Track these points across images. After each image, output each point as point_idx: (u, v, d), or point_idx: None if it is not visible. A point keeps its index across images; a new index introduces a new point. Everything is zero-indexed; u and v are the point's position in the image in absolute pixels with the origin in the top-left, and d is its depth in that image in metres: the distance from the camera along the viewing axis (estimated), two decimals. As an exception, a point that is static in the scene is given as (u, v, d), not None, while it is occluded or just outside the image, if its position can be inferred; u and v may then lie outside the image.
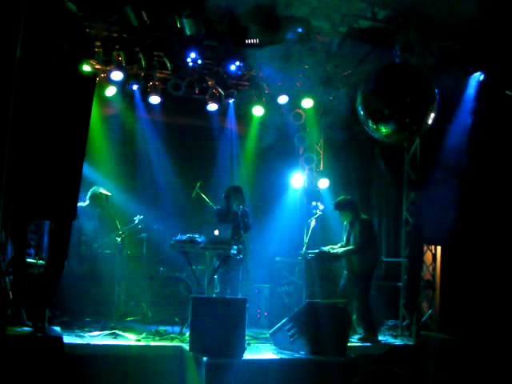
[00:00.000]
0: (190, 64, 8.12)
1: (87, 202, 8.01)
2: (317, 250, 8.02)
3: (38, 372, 4.61)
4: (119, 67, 8.08)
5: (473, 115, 7.73)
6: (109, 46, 7.68)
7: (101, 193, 7.94)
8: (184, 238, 7.31)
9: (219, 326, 5.97)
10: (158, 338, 6.83)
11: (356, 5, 6.83)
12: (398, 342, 7.89)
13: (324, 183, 9.80)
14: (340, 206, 7.94)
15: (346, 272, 7.81)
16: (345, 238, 7.90)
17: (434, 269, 8.46)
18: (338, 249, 7.92)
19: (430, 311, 8.30)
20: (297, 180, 10.07)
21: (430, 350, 7.46)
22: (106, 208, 8.07)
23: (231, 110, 9.51)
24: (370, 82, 6.89)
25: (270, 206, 9.83)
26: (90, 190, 8.00)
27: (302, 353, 6.38)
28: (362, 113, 6.96)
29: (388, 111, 6.63)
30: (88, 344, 6.27)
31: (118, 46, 7.77)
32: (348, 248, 7.77)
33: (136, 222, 8.12)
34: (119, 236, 7.65)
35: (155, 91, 8.72)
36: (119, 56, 7.90)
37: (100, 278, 7.76)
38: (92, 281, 7.68)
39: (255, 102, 9.37)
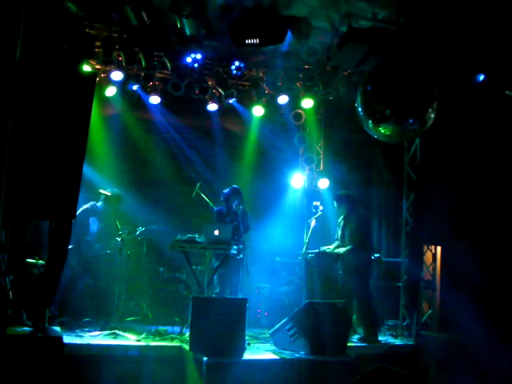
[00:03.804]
0: (190, 64, 8.13)
1: (100, 203, 8.03)
2: (317, 250, 8.03)
3: (38, 372, 4.61)
4: (119, 67, 8.08)
5: (473, 115, 7.73)
6: (109, 46, 7.68)
7: (100, 193, 7.95)
8: (184, 238, 7.30)
9: (219, 326, 5.97)
10: (158, 337, 6.84)
11: (356, 5, 6.84)
12: (398, 341, 7.89)
13: (324, 183, 9.80)
14: (337, 199, 8.05)
15: (340, 272, 7.83)
16: (339, 234, 7.91)
17: (434, 269, 8.46)
18: (335, 248, 7.92)
19: (430, 311, 8.31)
20: (297, 180, 10.07)
21: (429, 350, 7.46)
22: (117, 209, 8.12)
23: (232, 110, 9.50)
24: (370, 81, 6.89)
25: (270, 205, 9.82)
26: (106, 191, 7.97)
27: (302, 353, 6.38)
28: (361, 113, 6.96)
29: (388, 111, 6.63)
30: (88, 344, 6.28)
31: (118, 46, 7.77)
32: (348, 247, 7.77)
33: (137, 233, 8.27)
34: (119, 236, 7.66)
35: (155, 91, 8.72)
36: (119, 56, 7.90)
37: (100, 278, 7.76)
38: (92, 281, 7.69)
39: (255, 102, 9.37)
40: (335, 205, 8.13)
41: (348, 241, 7.77)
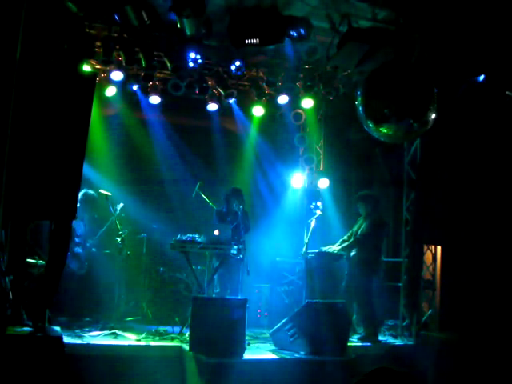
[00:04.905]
0: (190, 64, 8.13)
1: (78, 205, 7.94)
2: (317, 250, 8.03)
3: (38, 372, 4.61)
4: (119, 67, 8.07)
5: (473, 115, 7.73)
6: (109, 46, 7.67)
7: (89, 193, 7.90)
8: (184, 238, 7.31)
9: (219, 326, 5.98)
10: (158, 337, 6.85)
11: (356, 5, 6.83)
12: (398, 341, 7.89)
13: (324, 183, 9.80)
14: (361, 198, 8.04)
15: (346, 272, 7.84)
16: (354, 231, 7.92)
17: (434, 269, 8.46)
18: (335, 247, 7.94)
19: (430, 311, 8.30)
20: (297, 180, 10.07)
21: (429, 349, 7.46)
22: (97, 209, 8.04)
23: (232, 110, 9.50)
24: (370, 81, 6.89)
25: (270, 206, 9.82)
26: (81, 193, 7.71)
27: (302, 353, 6.39)
28: (361, 113, 6.96)
29: (388, 111, 6.62)
30: (88, 344, 6.28)
31: (118, 46, 7.77)
32: (344, 245, 7.80)
33: (118, 211, 7.92)
34: (119, 236, 7.66)
35: (155, 91, 8.72)
36: (119, 56, 7.89)
37: (100, 278, 7.76)
38: (92, 281, 7.68)
39: (255, 102, 9.37)
40: (358, 205, 8.11)
41: (354, 238, 7.80)
